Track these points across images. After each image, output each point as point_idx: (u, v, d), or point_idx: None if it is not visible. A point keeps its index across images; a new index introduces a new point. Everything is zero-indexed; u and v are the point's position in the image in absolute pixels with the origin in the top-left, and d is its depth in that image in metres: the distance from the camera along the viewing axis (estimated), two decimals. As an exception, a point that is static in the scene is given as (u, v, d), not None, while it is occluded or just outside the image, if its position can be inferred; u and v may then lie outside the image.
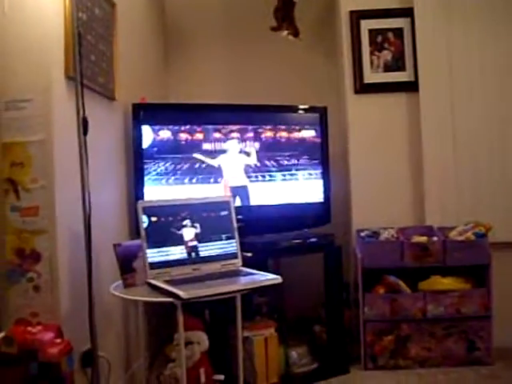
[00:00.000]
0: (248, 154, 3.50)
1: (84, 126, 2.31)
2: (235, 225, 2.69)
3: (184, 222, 2.56)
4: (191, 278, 2.46)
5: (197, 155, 3.37)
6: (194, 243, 2.56)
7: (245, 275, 2.53)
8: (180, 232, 2.54)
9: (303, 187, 3.64)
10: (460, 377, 3.35)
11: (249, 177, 3.50)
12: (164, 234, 2.50)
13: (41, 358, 2.06)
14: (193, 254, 2.55)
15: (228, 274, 2.54)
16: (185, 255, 2.54)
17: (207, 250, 2.59)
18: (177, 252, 2.52)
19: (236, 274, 2.56)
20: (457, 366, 3.47)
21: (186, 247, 2.54)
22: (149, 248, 2.45)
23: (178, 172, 3.32)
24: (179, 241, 2.53)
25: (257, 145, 3.53)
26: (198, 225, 2.58)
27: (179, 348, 2.38)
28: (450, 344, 3.48)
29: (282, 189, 3.58)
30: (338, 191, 3.90)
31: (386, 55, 3.86)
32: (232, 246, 2.66)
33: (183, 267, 2.52)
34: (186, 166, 3.34)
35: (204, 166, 3.38)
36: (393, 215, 3.79)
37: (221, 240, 2.64)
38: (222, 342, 3.14)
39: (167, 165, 3.29)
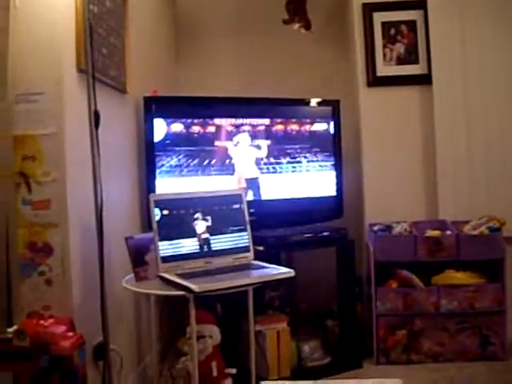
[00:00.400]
0: (260, 148, 3.49)
1: (96, 119, 2.30)
2: (247, 218, 2.68)
3: (196, 215, 2.55)
4: (203, 271, 2.46)
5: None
6: (206, 236, 2.55)
7: (257, 269, 2.52)
8: (192, 225, 2.53)
9: (316, 181, 3.62)
10: (474, 372, 3.32)
11: (261, 170, 3.48)
12: (176, 227, 2.50)
13: (53, 351, 2.06)
14: (205, 248, 2.55)
15: (240, 267, 2.53)
16: (197, 248, 2.53)
17: (219, 243, 2.58)
18: (189, 245, 2.51)
19: (248, 267, 2.55)
20: (470, 361, 3.44)
21: (198, 240, 2.53)
22: (161, 241, 2.44)
23: (191, 164, 3.31)
24: (191, 234, 2.53)
25: (269, 138, 3.52)
26: (209, 218, 2.58)
27: (191, 341, 2.38)
28: (464, 339, 3.45)
29: (294, 182, 3.57)
30: (351, 185, 3.88)
31: (399, 48, 3.83)
32: (244, 239, 2.65)
33: (195, 260, 2.51)
34: (198, 159, 3.33)
35: (216, 159, 3.37)
36: (406, 209, 3.76)
37: (233, 233, 2.62)
38: (234, 335, 3.14)
39: (180, 157, 3.28)
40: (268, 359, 3.23)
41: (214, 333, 2.83)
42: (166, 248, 2.45)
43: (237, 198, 2.68)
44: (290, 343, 3.34)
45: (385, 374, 3.36)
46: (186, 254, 2.50)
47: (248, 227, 2.67)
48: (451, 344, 3.45)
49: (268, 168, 3.50)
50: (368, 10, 3.82)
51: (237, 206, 2.67)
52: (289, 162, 3.55)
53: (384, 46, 3.82)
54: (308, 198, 3.60)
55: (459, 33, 3.72)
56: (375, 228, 3.60)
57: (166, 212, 2.49)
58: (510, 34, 3.71)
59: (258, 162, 3.48)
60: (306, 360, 3.40)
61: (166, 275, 2.38)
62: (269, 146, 3.51)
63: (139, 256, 2.56)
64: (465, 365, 3.41)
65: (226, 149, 3.41)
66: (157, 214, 2.47)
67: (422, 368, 3.42)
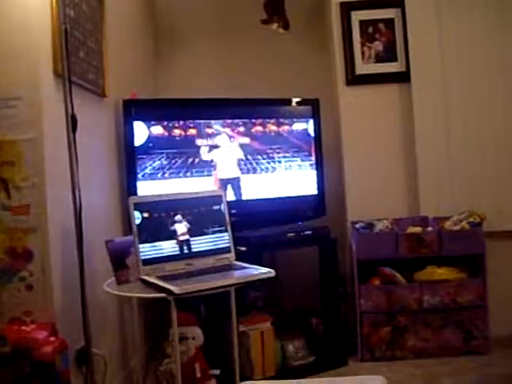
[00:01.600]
0: (241, 148, 3.49)
1: (73, 123, 2.30)
2: (228, 219, 2.68)
3: (176, 218, 2.55)
4: (184, 273, 2.45)
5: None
6: (187, 238, 2.55)
7: (238, 269, 2.52)
8: (172, 227, 2.53)
9: (297, 180, 3.64)
10: (457, 366, 3.35)
11: (242, 170, 3.49)
12: (156, 230, 2.49)
13: (35, 356, 2.05)
14: (185, 249, 2.55)
15: (221, 268, 2.53)
16: (177, 250, 2.53)
17: (200, 244, 2.58)
18: (169, 247, 2.51)
19: (229, 268, 2.55)
20: (454, 355, 3.47)
21: (179, 242, 2.53)
22: (141, 244, 2.44)
23: (173, 167, 3.31)
24: (172, 236, 2.53)
25: (250, 138, 3.52)
26: (190, 220, 2.57)
27: (174, 343, 2.38)
28: (447, 334, 3.48)
29: (275, 182, 3.58)
30: (333, 183, 3.90)
31: (377, 46, 3.85)
32: (225, 240, 2.65)
33: (176, 262, 2.51)
34: (180, 161, 3.33)
35: (198, 160, 3.37)
36: (387, 206, 3.78)
37: (213, 234, 2.63)
38: (218, 336, 3.14)
39: (161, 160, 3.28)
40: (252, 359, 3.24)
41: (196, 334, 2.83)
42: (146, 251, 2.45)
43: (217, 198, 2.69)
44: (274, 343, 3.35)
45: (370, 370, 3.38)
46: (167, 256, 2.50)
47: (229, 228, 2.68)
48: (435, 339, 3.48)
49: (249, 168, 3.51)
50: (346, 9, 3.83)
51: (217, 206, 2.67)
52: (269, 162, 3.56)
53: (362, 45, 3.84)
54: (290, 197, 3.61)
55: (437, 30, 3.75)
56: (357, 226, 3.62)
57: (146, 215, 2.49)
58: (487, 32, 3.73)
59: (238, 162, 3.49)
60: (290, 359, 3.41)
61: (147, 278, 2.38)
62: (249, 146, 3.52)
63: (120, 259, 2.55)
64: (448, 359, 3.44)
65: (207, 150, 3.41)
66: (137, 216, 2.46)
67: (407, 364, 3.44)
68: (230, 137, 3.47)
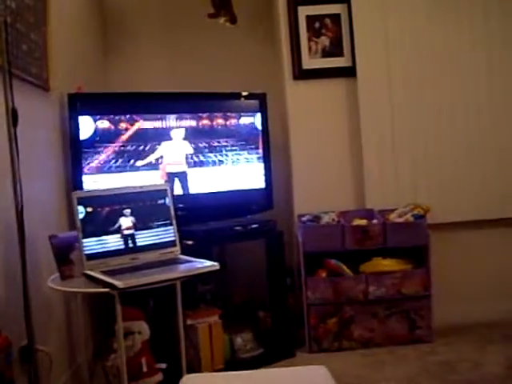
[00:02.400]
0: (188, 142, 3.49)
1: (13, 117, 2.26)
2: (173, 213, 2.68)
3: (121, 212, 2.54)
4: (129, 267, 2.45)
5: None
6: (131, 232, 2.55)
7: (183, 263, 2.53)
8: (117, 222, 2.52)
9: (245, 174, 3.65)
10: (402, 355, 3.44)
11: (189, 164, 3.49)
12: (100, 225, 2.49)
13: (-25, 354, 2.02)
14: (130, 244, 2.54)
15: (166, 262, 2.54)
16: (122, 245, 2.52)
17: (145, 238, 2.58)
18: (114, 242, 2.50)
19: (174, 262, 2.56)
20: (399, 344, 3.55)
21: (123, 237, 2.52)
22: (85, 239, 2.43)
23: (120, 160, 3.29)
24: (116, 231, 2.52)
25: (197, 132, 3.52)
26: (135, 214, 2.57)
27: (119, 338, 2.38)
28: (392, 324, 3.55)
29: (222, 176, 3.59)
30: (280, 177, 3.93)
31: (324, 41, 3.89)
32: (170, 234, 2.66)
33: (121, 257, 2.51)
34: (126, 155, 3.31)
35: (145, 154, 3.36)
36: (334, 199, 3.83)
37: (159, 228, 2.63)
38: (166, 330, 3.14)
39: (108, 153, 3.26)
40: (200, 353, 3.25)
41: (142, 329, 2.83)
42: (90, 245, 2.44)
43: (162, 192, 2.69)
44: (223, 336, 3.36)
45: (317, 361, 3.38)
46: (112, 251, 2.49)
47: (174, 222, 2.68)
48: (380, 329, 3.55)
49: (196, 162, 3.51)
50: (293, 4, 3.86)
51: (162, 200, 2.67)
52: (217, 156, 3.57)
53: (309, 40, 3.87)
54: (237, 190, 3.62)
55: (382, 25, 3.81)
56: (303, 219, 3.66)
57: (90, 209, 2.47)
58: (430, 27, 3.81)
59: (186, 156, 3.49)
60: (239, 352, 3.44)
61: (91, 273, 2.37)
62: (197, 140, 3.52)
63: (64, 254, 2.53)
64: (394, 348, 3.52)
65: (155, 144, 3.40)
66: (80, 211, 2.45)
67: (354, 354, 3.51)
68: (178, 131, 3.46)
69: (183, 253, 2.72)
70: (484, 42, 3.81)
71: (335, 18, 3.89)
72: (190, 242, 3.13)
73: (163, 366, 2.85)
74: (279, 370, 2.04)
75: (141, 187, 2.67)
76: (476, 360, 3.29)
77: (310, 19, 3.88)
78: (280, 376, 1.93)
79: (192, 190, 3.50)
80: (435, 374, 3.15)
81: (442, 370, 3.19)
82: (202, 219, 3.47)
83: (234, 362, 3.39)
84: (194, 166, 3.50)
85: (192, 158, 3.50)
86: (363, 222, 3.57)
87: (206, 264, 2.48)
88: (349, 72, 3.86)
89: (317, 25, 3.88)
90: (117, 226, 2.52)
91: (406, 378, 3.12)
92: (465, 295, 3.88)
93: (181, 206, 3.32)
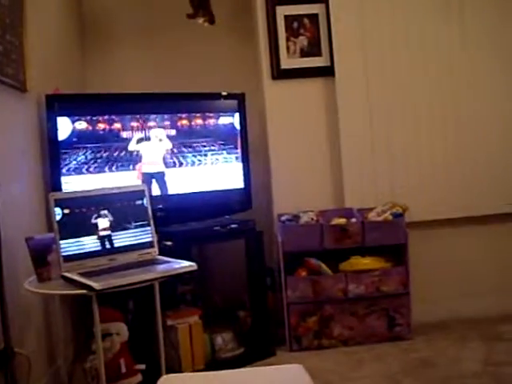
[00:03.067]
0: (167, 142, 3.49)
1: (-12, 118, 2.26)
2: (151, 213, 2.68)
3: (98, 213, 2.54)
4: (107, 268, 2.45)
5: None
6: (109, 234, 2.55)
7: (161, 264, 2.53)
8: (94, 223, 2.52)
9: (224, 174, 3.65)
10: (382, 352, 3.46)
11: (167, 165, 3.48)
12: (78, 226, 2.48)
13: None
14: (108, 245, 2.54)
15: (144, 263, 2.54)
16: (99, 246, 2.52)
17: (122, 240, 2.58)
18: (91, 243, 2.50)
19: (152, 262, 2.56)
20: (379, 342, 3.57)
21: (101, 238, 2.52)
22: (62, 240, 2.42)
23: (98, 161, 3.28)
24: (93, 232, 2.51)
25: (176, 133, 3.52)
26: (112, 215, 2.57)
27: (97, 340, 2.37)
28: (372, 322, 3.57)
29: (201, 176, 3.58)
30: (259, 177, 3.94)
31: (302, 41, 3.90)
32: (148, 235, 2.66)
33: (99, 258, 2.51)
34: (105, 156, 3.31)
35: (123, 154, 3.35)
36: (313, 199, 3.85)
37: (136, 229, 2.63)
38: (146, 331, 3.13)
39: (87, 155, 3.25)
40: (181, 353, 3.25)
41: (121, 330, 2.83)
42: (68, 247, 2.43)
43: (139, 193, 2.69)
44: (203, 336, 3.36)
45: (297, 360, 3.36)
46: (89, 253, 2.49)
47: (152, 222, 2.68)
48: (360, 327, 3.57)
49: (175, 162, 3.51)
50: (271, 4, 3.87)
51: (140, 201, 2.67)
52: (196, 156, 3.57)
53: (287, 39, 3.89)
54: (216, 191, 3.62)
55: (360, 25, 3.83)
56: (283, 218, 3.67)
57: (67, 211, 2.47)
58: (408, 27, 3.84)
59: (164, 156, 3.49)
60: (219, 352, 3.44)
61: (68, 274, 2.37)
62: (176, 141, 3.51)
63: (41, 256, 2.52)
64: (374, 346, 3.55)
65: (133, 145, 3.39)
66: (57, 212, 2.44)
67: (334, 352, 3.53)
68: (156, 131, 3.46)
69: (162, 254, 2.73)
70: (462, 40, 3.84)
71: (313, 17, 3.91)
72: (169, 243, 3.13)
73: (142, 366, 2.85)
74: (256, 369, 2.05)
75: (118, 188, 2.67)
76: (454, 357, 3.33)
77: (289, 19, 3.89)
78: (256, 375, 1.94)
79: (171, 191, 3.49)
80: (414, 371, 3.17)
81: (421, 367, 3.22)
82: (181, 220, 3.47)
83: (214, 362, 3.39)
84: (173, 166, 3.50)
85: (171, 158, 3.50)
86: (342, 220, 3.58)
87: (183, 264, 2.49)
88: (327, 72, 3.87)
89: (295, 25, 3.89)
90: (94, 227, 2.52)
91: (385, 375, 3.14)
92: (444, 293, 3.93)
93: (160, 206, 3.32)
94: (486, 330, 3.69)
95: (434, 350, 3.44)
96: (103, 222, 2.54)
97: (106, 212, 2.56)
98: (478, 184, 3.87)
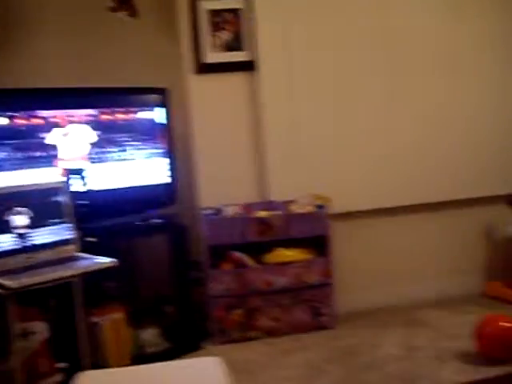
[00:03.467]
0: (89, 138, 3.45)
1: None
2: (71, 210, 2.65)
3: (15, 210, 2.49)
4: (24, 267, 2.41)
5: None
6: (26, 231, 2.51)
7: (80, 260, 2.51)
8: (11, 221, 2.47)
9: (148, 169, 3.63)
10: (307, 342, 3.53)
11: (90, 160, 3.44)
12: (-7, 224, 2.43)
13: None
14: (25, 243, 2.50)
15: (63, 260, 2.52)
16: (17, 244, 2.48)
17: (41, 237, 2.55)
18: (8, 241, 2.45)
19: (72, 259, 2.54)
20: (304, 332, 3.63)
21: (18, 236, 2.48)
22: (-24, 239, 2.38)
23: (17, 158, 3.21)
24: (10, 230, 2.47)
25: (98, 128, 3.47)
26: (30, 212, 2.53)
27: (14, 339, 2.34)
28: (297, 312, 3.64)
29: (125, 171, 3.55)
30: (185, 171, 3.93)
31: (225, 35, 3.91)
32: (67, 232, 2.63)
33: (16, 256, 2.47)
34: (24, 152, 3.23)
35: (43, 150, 3.29)
36: (238, 193, 3.87)
37: (55, 226, 2.60)
38: (69, 329, 3.10)
39: (5, 151, 3.17)
40: (106, 350, 3.23)
41: (40, 329, 2.79)
42: (-18, 246, 2.39)
43: (58, 189, 2.66)
44: (128, 332, 3.35)
45: (223, 353, 3.42)
46: (6, 251, 2.45)
47: (71, 219, 2.65)
48: (285, 318, 3.63)
49: (98, 158, 3.47)
50: (193, -2, 3.87)
51: (58, 198, 2.64)
52: (119, 151, 3.53)
53: (210, 34, 3.89)
54: (140, 186, 3.59)
55: (283, 20, 3.85)
56: (207, 212, 3.69)
57: (-19, 209, 2.42)
58: (330, 21, 3.90)
59: (87, 152, 3.44)
60: (145, 347, 3.44)
61: (-17, 274, 2.32)
62: (98, 136, 3.47)
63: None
64: (299, 336, 3.61)
65: (53, 140, 3.34)
66: (-29, 211, 2.39)
67: (260, 343, 3.57)
68: (77, 126, 3.41)
69: (86, 250, 2.70)
70: (380, 32, 3.95)
71: (236, 12, 3.92)
72: (92, 239, 3.10)
73: (63, 365, 2.82)
74: (171, 363, 2.06)
75: (36, 185, 2.63)
76: (376, 343, 3.43)
77: (211, 13, 3.89)
78: (171, 369, 1.96)
79: (94, 187, 3.45)
80: (338, 359, 3.25)
81: (345, 355, 3.30)
82: (105, 216, 3.42)
83: (140, 358, 3.37)
84: (96, 161, 3.46)
85: (95, 153, 3.45)
86: (265, 213, 3.62)
87: (103, 261, 2.47)
88: (250, 66, 3.89)
89: (218, 19, 3.90)
90: (10, 225, 2.47)
91: (309, 364, 3.21)
92: (367, 282, 4.04)
93: (83, 202, 3.27)
94: (407, 316, 3.82)
95: (358, 338, 3.53)
96: (20, 220, 2.50)
97: (23, 209, 2.52)
98: (400, 175, 4.00)
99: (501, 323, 3.06)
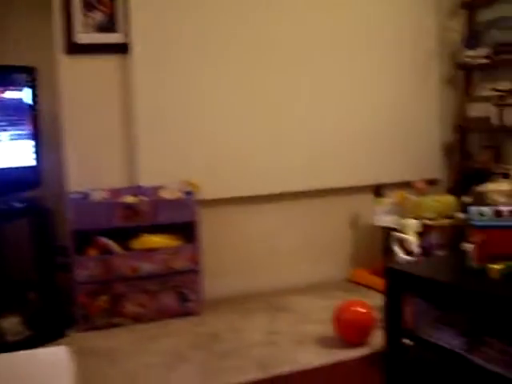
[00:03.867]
0: None
1: None
2: None
3: None
4: None
5: None
6: None
7: None
8: None
9: (11, 151, 3.50)
10: (173, 328, 3.55)
11: None
12: None
13: None
14: None
15: None
16: None
17: None
18: None
19: None
20: (171, 318, 3.66)
21: None
22: None
23: None
24: None
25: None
26: None
27: None
28: (163, 298, 3.65)
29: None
30: (52, 154, 3.82)
31: (99, 16, 3.82)
32: None
33: None
34: None
35: None
36: (108, 177, 3.82)
37: None
38: None
39: None
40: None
41: None
42: None
43: None
44: (-13, 320, 3.25)
45: (88, 340, 3.42)
46: None
47: None
48: (152, 304, 3.63)
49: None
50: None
51: None
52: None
53: (83, 13, 3.79)
54: (3, 168, 3.46)
55: (158, 3, 3.82)
56: (73, 196, 3.61)
57: None
58: (210, 5, 3.92)
59: None
60: (7, 336, 3.33)
61: None
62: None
63: None
64: (166, 322, 3.63)
65: None
66: None
67: (126, 330, 3.55)
68: None
69: None
70: (263, 22, 4.04)
71: (110, -8, 3.84)
72: None
73: None
74: (14, 354, 2.01)
75: None
76: (241, 329, 3.51)
77: (84, -8, 3.79)
78: (13, 360, 1.91)
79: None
80: (202, 345, 3.29)
81: (209, 341, 3.35)
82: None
83: (2, 347, 3.26)
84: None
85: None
86: (132, 199, 3.59)
87: None
88: (124, 49, 3.83)
89: (91, -2, 3.81)
90: None
91: (173, 351, 3.22)
92: (234, 269, 4.11)
93: None
94: (272, 302, 3.93)
95: (223, 324, 3.59)
96: None
97: None
98: (271, 162, 4.10)
99: (357, 308, 3.20)
